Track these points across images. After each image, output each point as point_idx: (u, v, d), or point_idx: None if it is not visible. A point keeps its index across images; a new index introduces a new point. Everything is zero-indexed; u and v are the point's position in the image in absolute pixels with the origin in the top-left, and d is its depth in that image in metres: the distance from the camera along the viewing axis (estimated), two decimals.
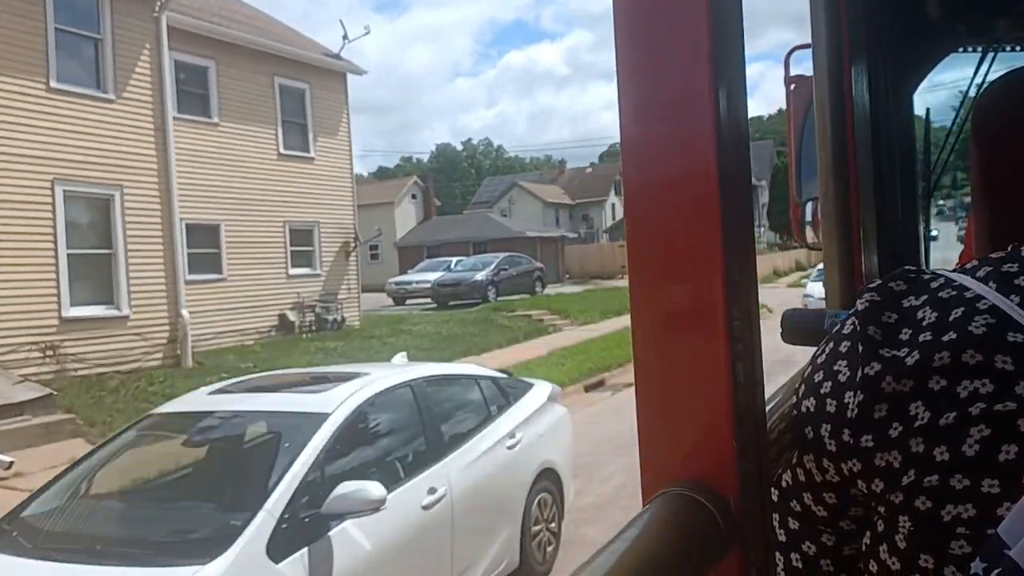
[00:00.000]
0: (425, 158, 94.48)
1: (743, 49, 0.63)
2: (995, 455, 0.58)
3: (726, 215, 0.58)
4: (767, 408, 0.83)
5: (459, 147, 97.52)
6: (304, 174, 19.78)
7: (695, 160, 0.58)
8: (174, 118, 15.72)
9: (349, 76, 21.81)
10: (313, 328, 19.16)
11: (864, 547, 0.69)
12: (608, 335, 17.97)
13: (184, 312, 15.23)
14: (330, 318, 19.79)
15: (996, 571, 0.53)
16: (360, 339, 17.95)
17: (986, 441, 0.58)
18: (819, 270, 16.86)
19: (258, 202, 18.26)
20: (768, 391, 0.75)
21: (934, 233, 2.34)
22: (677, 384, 0.61)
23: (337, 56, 21.31)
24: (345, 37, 21.31)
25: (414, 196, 46.00)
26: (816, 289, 16.87)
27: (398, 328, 19.62)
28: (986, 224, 1.35)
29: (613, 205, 52.45)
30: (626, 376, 13.89)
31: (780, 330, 1.36)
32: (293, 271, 19.38)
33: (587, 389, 13.48)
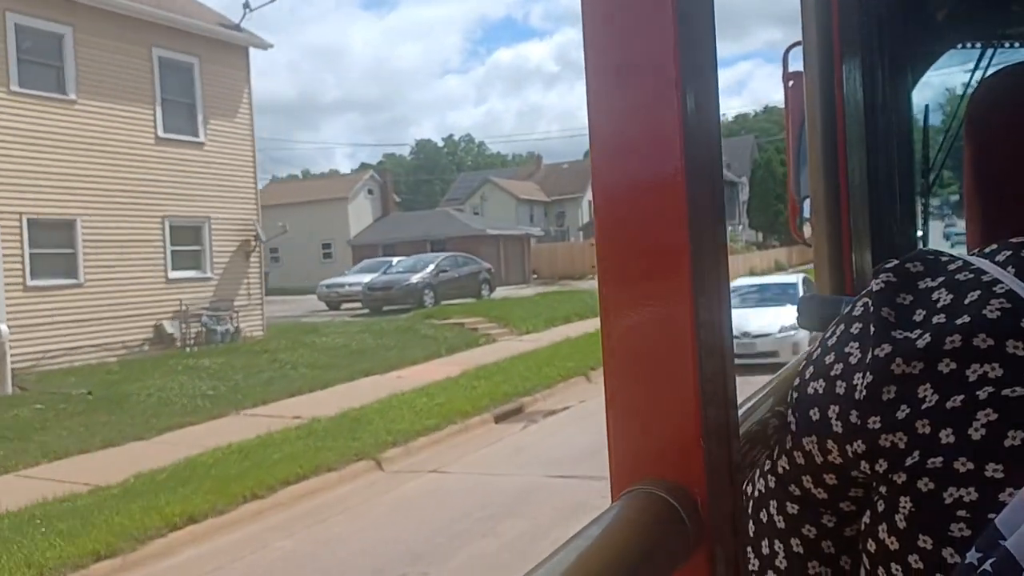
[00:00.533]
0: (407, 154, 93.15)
1: (714, 45, 0.63)
2: (1001, 440, 0.58)
3: (694, 212, 0.58)
4: (751, 404, 0.84)
5: (440, 143, 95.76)
6: (191, 162, 16.77)
7: (663, 159, 0.58)
8: (14, 92, 13.40)
9: (252, 51, 18.82)
10: (198, 341, 16.41)
11: (864, 526, 0.69)
12: (547, 348, 15.72)
13: (2, 327, 12.47)
14: (221, 329, 16.96)
15: (991, 561, 0.53)
16: (248, 355, 15.23)
17: (993, 425, 0.58)
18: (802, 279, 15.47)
19: (128, 193, 15.43)
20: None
21: (919, 234, 2.33)
22: (645, 383, 0.61)
23: (237, 27, 18.26)
24: (247, 5, 18.27)
25: (371, 191, 43.51)
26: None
27: (301, 340, 16.69)
28: (979, 221, 1.35)
29: (589, 202, 49.87)
30: (554, 400, 11.98)
31: (797, 315, 1.36)
32: (174, 274, 16.52)
33: (498, 420, 10.97)
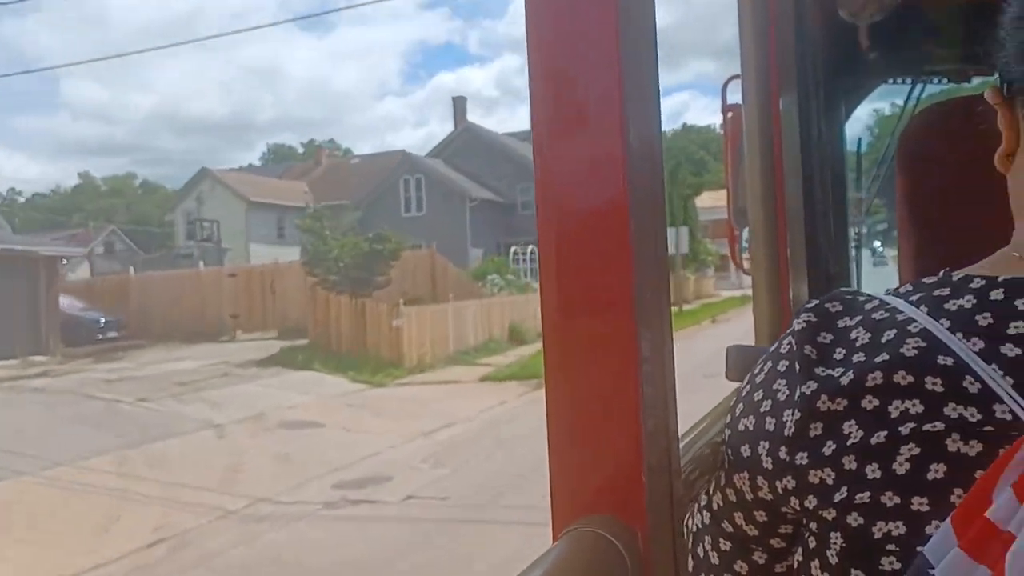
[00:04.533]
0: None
1: (656, 69, 0.63)
2: (924, 473, 0.59)
3: (637, 241, 0.58)
4: (691, 437, 0.84)
5: (300, 149, 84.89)
6: None
7: (605, 187, 0.58)
8: None
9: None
10: None
11: (796, 564, 0.69)
12: None
13: None
14: None
15: None
16: None
17: (916, 460, 0.59)
18: None
19: None
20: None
21: (852, 262, 2.40)
22: (587, 418, 0.60)
23: None
24: None
25: None
26: None
27: None
28: (912, 249, 1.39)
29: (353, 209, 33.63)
30: None
31: (725, 367, 1.37)
32: None
33: None
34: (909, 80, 2.41)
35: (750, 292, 1.52)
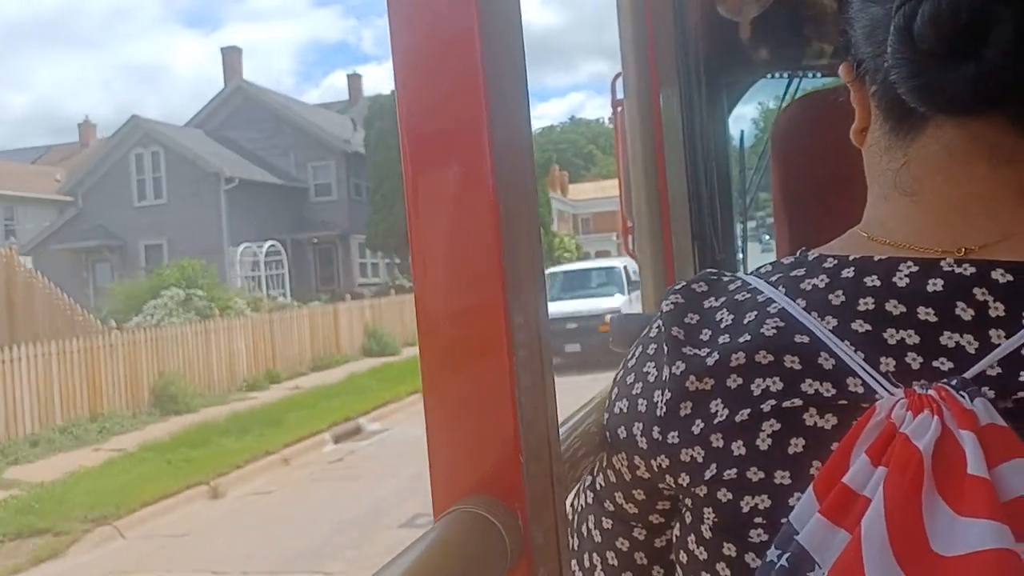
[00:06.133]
0: None
1: (523, 59, 0.64)
2: (785, 448, 0.61)
3: (506, 224, 0.59)
4: (574, 420, 0.86)
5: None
6: None
7: (473, 179, 0.59)
8: None
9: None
10: None
11: (675, 539, 0.72)
12: None
13: None
14: None
15: (787, 556, 0.56)
16: None
17: (776, 435, 0.62)
18: None
19: None
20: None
21: (738, 252, 2.48)
22: (463, 400, 0.61)
23: None
24: None
25: None
26: None
27: None
28: (787, 235, 1.46)
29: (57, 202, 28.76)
30: None
31: (611, 336, 1.40)
32: None
33: None
34: (786, 75, 2.51)
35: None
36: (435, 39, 0.60)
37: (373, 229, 28.33)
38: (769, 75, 2.58)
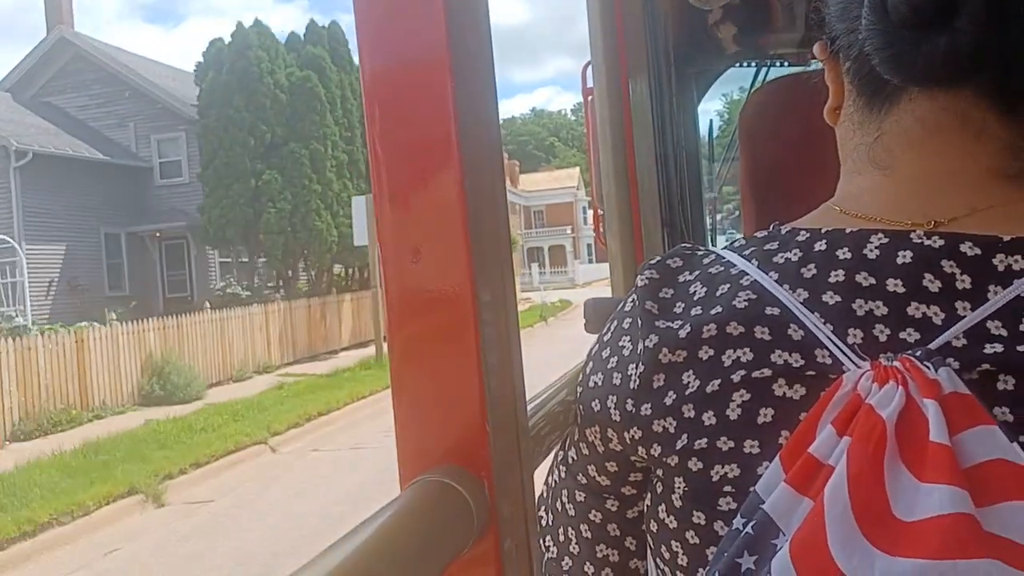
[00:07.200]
0: None
1: (490, 61, 0.65)
2: (754, 417, 0.62)
3: (473, 201, 0.59)
4: (544, 396, 0.87)
5: None
6: None
7: (440, 156, 0.59)
8: None
9: None
10: None
11: (646, 508, 0.73)
12: None
13: None
14: None
15: (752, 524, 0.57)
16: None
17: (746, 405, 0.62)
18: None
19: None
20: None
21: (708, 237, 2.50)
22: (430, 372, 0.61)
23: None
24: None
25: None
26: None
27: None
28: (753, 214, 1.47)
29: None
30: None
31: (584, 320, 1.41)
32: None
33: None
34: (755, 64, 2.54)
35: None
36: (402, 30, 0.60)
37: (206, 216, 20.73)
38: (738, 64, 2.60)
